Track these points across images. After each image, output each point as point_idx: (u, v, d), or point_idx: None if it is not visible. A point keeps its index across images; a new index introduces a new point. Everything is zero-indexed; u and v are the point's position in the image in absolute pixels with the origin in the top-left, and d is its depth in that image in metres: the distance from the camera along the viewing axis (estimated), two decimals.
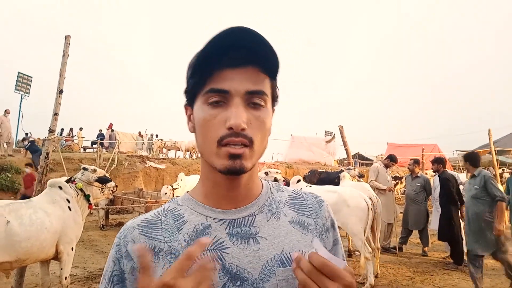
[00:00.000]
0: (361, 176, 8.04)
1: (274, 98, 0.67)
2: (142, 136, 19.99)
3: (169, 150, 20.24)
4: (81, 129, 19.02)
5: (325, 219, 0.72)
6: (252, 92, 0.60)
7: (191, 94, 0.65)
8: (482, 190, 4.09)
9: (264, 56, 0.61)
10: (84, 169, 3.75)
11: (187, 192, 0.72)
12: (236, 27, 0.59)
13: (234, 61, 0.60)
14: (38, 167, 4.20)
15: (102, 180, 3.73)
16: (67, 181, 3.56)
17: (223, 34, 0.59)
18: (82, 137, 18.70)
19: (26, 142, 12.27)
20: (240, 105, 0.59)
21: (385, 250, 6.07)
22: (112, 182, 4.00)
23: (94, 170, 3.78)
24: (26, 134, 15.99)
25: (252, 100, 0.60)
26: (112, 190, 4.00)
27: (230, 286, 0.59)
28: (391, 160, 6.38)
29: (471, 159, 4.40)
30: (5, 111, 12.33)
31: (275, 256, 0.63)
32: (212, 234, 0.63)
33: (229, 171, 0.59)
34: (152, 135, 20.51)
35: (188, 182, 8.35)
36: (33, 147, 11.67)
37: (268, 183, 0.74)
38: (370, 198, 4.63)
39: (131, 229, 0.65)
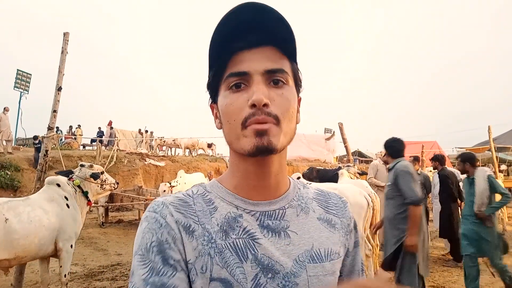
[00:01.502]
0: (363, 173, 8.02)
1: (297, 82, 0.65)
2: (141, 134, 19.95)
3: (171, 147, 20.20)
4: (79, 126, 19.00)
5: (349, 220, 0.72)
6: (272, 70, 0.59)
7: (213, 87, 0.64)
8: (394, 187, 3.26)
9: (281, 36, 0.59)
10: (81, 165, 3.75)
11: (215, 179, 0.69)
12: (249, 3, 0.57)
13: (251, 42, 0.59)
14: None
15: (94, 176, 3.72)
16: (66, 173, 3.56)
17: (236, 14, 0.57)
18: (80, 135, 18.68)
19: (37, 141, 12.38)
20: (261, 83, 0.58)
21: None
22: (112, 178, 4.00)
23: (91, 166, 3.79)
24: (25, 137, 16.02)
25: (273, 78, 0.59)
26: (113, 187, 4.00)
27: (261, 277, 0.57)
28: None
29: (390, 147, 3.49)
30: (4, 108, 12.31)
31: (305, 251, 0.62)
32: (244, 224, 0.61)
33: (258, 149, 0.57)
34: (147, 131, 20.44)
35: (187, 180, 8.34)
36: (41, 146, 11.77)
37: (294, 180, 0.73)
38: (369, 195, 4.63)
39: (166, 205, 0.61)
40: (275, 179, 0.64)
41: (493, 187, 3.69)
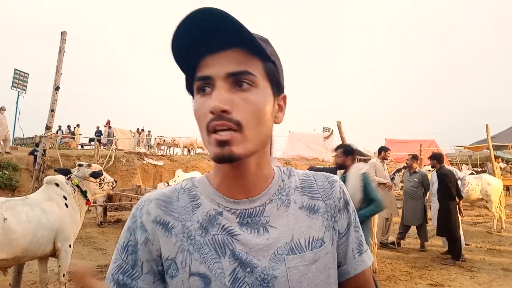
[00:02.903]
0: None
1: (274, 82, 0.63)
2: (140, 133, 19.91)
3: (169, 147, 20.17)
4: (78, 125, 18.97)
5: (337, 200, 0.70)
6: (234, 73, 0.57)
7: (189, 90, 0.65)
8: None
9: (244, 37, 0.57)
10: (79, 165, 3.74)
11: (205, 174, 0.71)
12: (204, 8, 0.54)
13: (214, 46, 0.58)
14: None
15: (95, 174, 3.71)
16: (64, 171, 3.55)
17: (195, 19, 0.56)
18: (79, 134, 18.65)
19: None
20: (222, 88, 0.57)
21: (383, 245, 6.09)
22: (110, 177, 3.98)
23: (89, 165, 3.77)
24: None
25: (238, 81, 0.58)
26: (112, 186, 3.99)
27: (239, 272, 0.59)
28: (382, 150, 6.30)
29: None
30: (1, 108, 12.24)
31: (284, 244, 0.62)
32: (223, 221, 0.62)
33: (219, 159, 0.57)
34: (143, 130, 20.39)
35: (185, 179, 8.34)
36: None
37: (279, 170, 0.71)
38: None
39: (148, 202, 0.65)
40: (253, 178, 0.64)
41: (365, 189, 3.00)
